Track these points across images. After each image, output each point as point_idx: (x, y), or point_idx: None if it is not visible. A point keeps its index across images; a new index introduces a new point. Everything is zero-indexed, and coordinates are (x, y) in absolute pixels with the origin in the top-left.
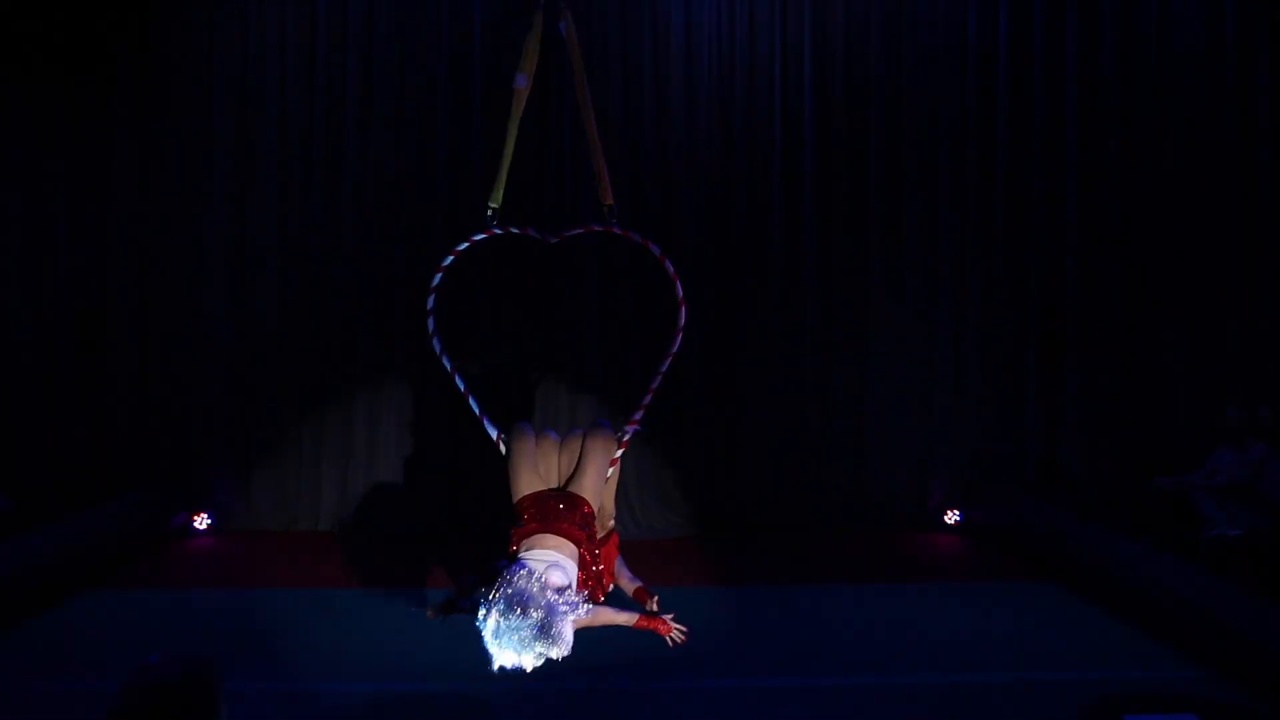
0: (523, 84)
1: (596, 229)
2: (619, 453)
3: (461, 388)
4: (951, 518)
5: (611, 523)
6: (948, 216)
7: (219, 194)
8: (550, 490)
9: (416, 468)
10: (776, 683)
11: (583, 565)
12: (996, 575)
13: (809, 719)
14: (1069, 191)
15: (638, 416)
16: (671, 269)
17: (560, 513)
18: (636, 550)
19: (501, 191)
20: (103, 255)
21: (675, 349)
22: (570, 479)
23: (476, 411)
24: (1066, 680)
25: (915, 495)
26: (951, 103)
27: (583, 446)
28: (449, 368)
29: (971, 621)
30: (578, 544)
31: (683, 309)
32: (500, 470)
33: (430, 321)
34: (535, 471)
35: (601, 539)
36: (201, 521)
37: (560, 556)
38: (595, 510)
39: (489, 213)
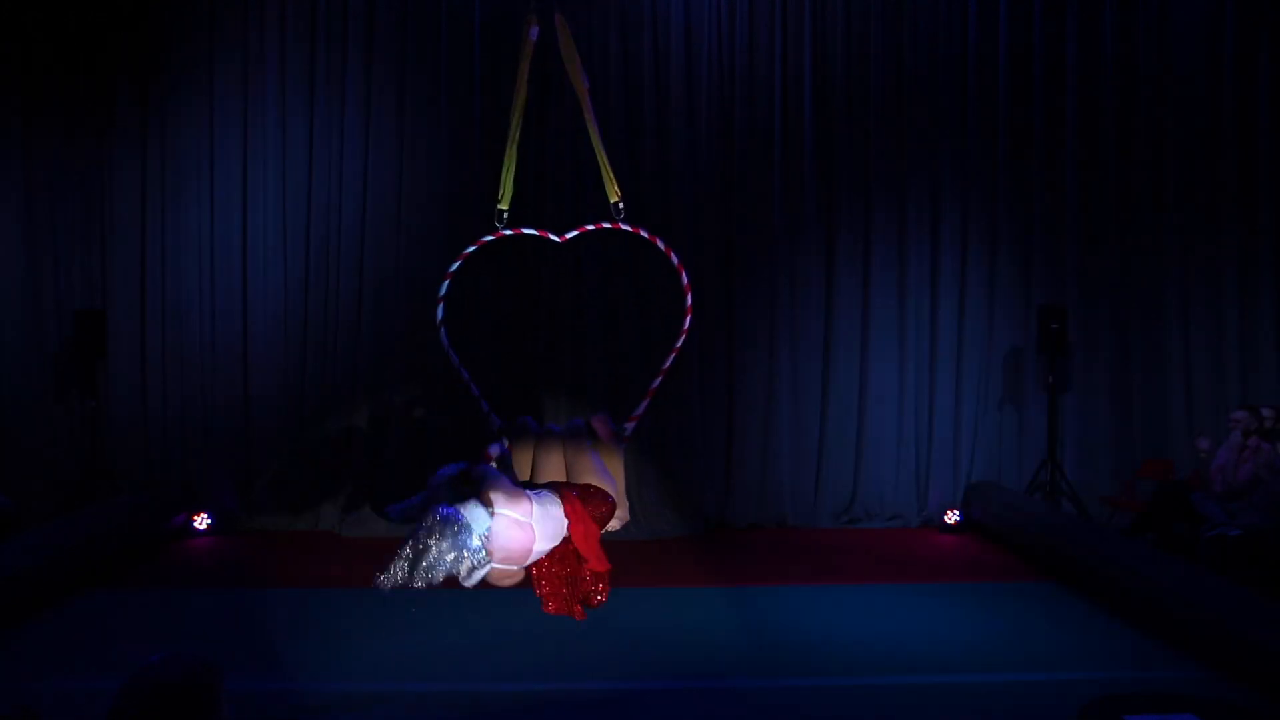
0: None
1: (605, 226)
2: (622, 449)
3: (465, 376)
4: (951, 518)
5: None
6: (949, 215)
7: (219, 193)
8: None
9: (417, 467)
10: (776, 683)
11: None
12: (996, 575)
13: (809, 719)
14: (1069, 191)
15: (639, 412)
16: (676, 260)
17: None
18: (636, 550)
19: (509, 193)
20: (103, 255)
21: (680, 343)
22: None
23: (485, 409)
24: (1066, 680)
25: (915, 495)
26: (952, 103)
27: (587, 447)
28: (456, 361)
29: (971, 621)
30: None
31: (688, 296)
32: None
33: (439, 310)
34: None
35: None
36: (201, 521)
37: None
38: (614, 495)
39: (498, 215)
